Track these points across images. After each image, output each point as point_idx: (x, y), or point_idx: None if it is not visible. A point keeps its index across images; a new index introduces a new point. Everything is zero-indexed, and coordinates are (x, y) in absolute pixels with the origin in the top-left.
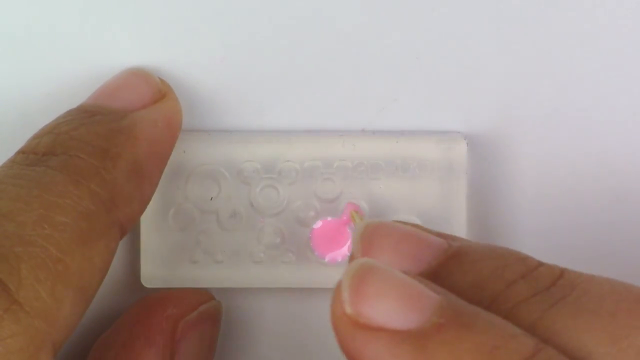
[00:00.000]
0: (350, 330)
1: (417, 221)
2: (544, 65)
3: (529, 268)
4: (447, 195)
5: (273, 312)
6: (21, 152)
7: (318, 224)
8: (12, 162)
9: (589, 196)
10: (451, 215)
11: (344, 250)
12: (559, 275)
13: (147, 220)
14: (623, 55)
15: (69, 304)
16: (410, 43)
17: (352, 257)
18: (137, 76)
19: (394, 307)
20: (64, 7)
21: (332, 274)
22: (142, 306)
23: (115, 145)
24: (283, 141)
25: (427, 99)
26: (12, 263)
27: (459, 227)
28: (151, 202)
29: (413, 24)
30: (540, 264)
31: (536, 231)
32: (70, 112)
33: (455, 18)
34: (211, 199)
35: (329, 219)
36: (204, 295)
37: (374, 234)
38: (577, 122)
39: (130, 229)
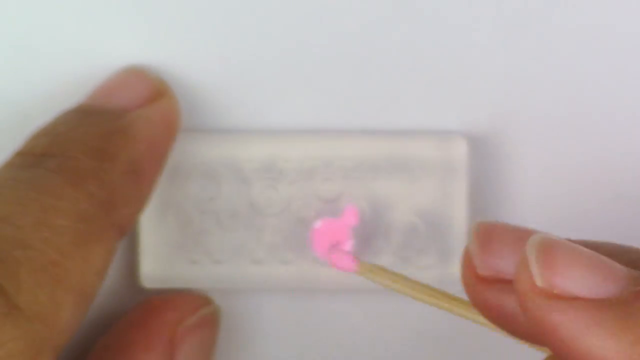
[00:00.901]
0: (545, 303)
1: (418, 222)
2: (544, 66)
3: None
4: (447, 195)
5: (273, 312)
6: (19, 153)
7: (318, 224)
8: (10, 164)
9: (589, 196)
10: (451, 215)
11: (344, 250)
12: None
13: (147, 220)
14: (623, 55)
15: (69, 307)
16: (410, 43)
17: (467, 255)
18: (134, 75)
19: (588, 277)
20: (64, 7)
21: (332, 274)
22: (141, 310)
23: (113, 145)
24: (283, 141)
25: (427, 99)
26: (11, 267)
27: (459, 227)
28: (151, 202)
29: (413, 24)
30: None
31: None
32: (67, 112)
33: (455, 18)
34: (211, 199)
35: (329, 218)
36: (202, 299)
37: (492, 231)
38: (577, 122)
39: (129, 230)
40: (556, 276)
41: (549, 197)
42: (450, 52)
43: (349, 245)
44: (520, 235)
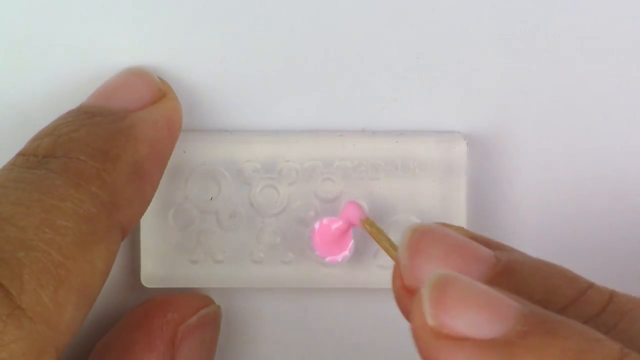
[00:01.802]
0: (434, 342)
1: (418, 221)
2: (544, 65)
3: (579, 291)
4: (447, 195)
5: (273, 312)
6: (21, 154)
7: (318, 224)
8: (13, 164)
9: (589, 195)
10: (451, 215)
11: (345, 250)
12: (608, 300)
13: (147, 220)
14: (623, 55)
15: (71, 308)
16: (410, 43)
17: (396, 264)
18: (137, 76)
19: (477, 317)
20: (64, 8)
21: (332, 274)
22: (142, 311)
23: (116, 146)
24: (283, 141)
25: (427, 99)
26: (14, 268)
27: None
28: (151, 202)
29: (413, 24)
30: (589, 286)
31: (536, 231)
32: (70, 113)
33: (455, 18)
34: (211, 199)
35: (329, 218)
36: (203, 299)
37: (422, 241)
38: (577, 121)
39: (131, 231)
40: (446, 315)
41: (549, 197)
42: (450, 52)
43: (350, 245)
44: (451, 246)
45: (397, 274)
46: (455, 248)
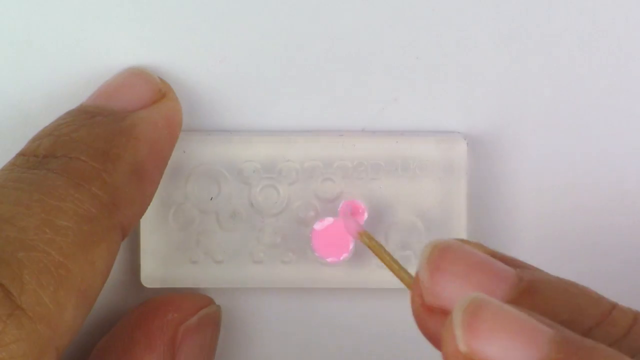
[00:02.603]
0: None
1: (418, 222)
2: (544, 65)
3: (604, 312)
4: (447, 195)
5: (273, 312)
6: (22, 154)
7: (318, 224)
8: (13, 165)
9: (589, 196)
10: (451, 215)
11: (345, 251)
12: (634, 320)
13: (147, 220)
14: (623, 55)
15: (72, 308)
16: (410, 43)
17: (416, 282)
18: (137, 76)
19: (509, 344)
20: (64, 8)
21: (332, 274)
22: (142, 311)
23: (116, 146)
24: (283, 141)
25: (427, 99)
26: (14, 268)
27: (459, 227)
28: (151, 202)
29: (413, 24)
30: (614, 307)
31: (536, 231)
32: (70, 113)
33: (455, 18)
34: (211, 199)
35: (329, 219)
36: (203, 299)
37: (442, 259)
38: (577, 122)
39: (131, 231)
40: (478, 341)
41: (549, 197)
42: (450, 52)
43: (350, 246)
44: (473, 264)
45: (417, 293)
46: (477, 266)
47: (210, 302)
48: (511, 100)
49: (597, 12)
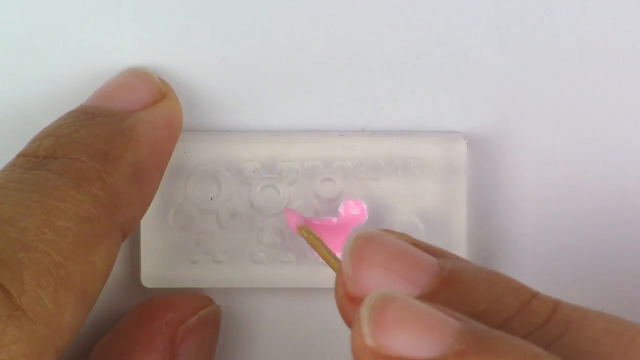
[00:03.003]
0: None
1: (418, 222)
2: (544, 66)
3: (523, 302)
4: (447, 195)
5: (273, 312)
6: (22, 155)
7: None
8: (13, 165)
9: (589, 196)
10: (451, 215)
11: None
12: (553, 310)
13: (147, 220)
14: (623, 55)
15: (72, 308)
16: (410, 43)
17: (340, 272)
18: (137, 76)
19: (415, 337)
20: (64, 8)
21: (332, 274)
22: (142, 311)
23: (116, 147)
24: (283, 141)
25: (427, 99)
26: (14, 269)
27: (459, 227)
28: (151, 202)
29: (413, 24)
30: (534, 296)
31: (536, 230)
32: (70, 114)
33: (455, 18)
34: (211, 199)
35: (329, 219)
36: (203, 300)
37: (364, 249)
38: (577, 122)
39: (131, 231)
40: (384, 336)
41: (549, 197)
42: (450, 52)
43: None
44: (395, 254)
45: (340, 283)
46: (398, 256)
47: (210, 302)
48: (511, 100)
49: (597, 12)
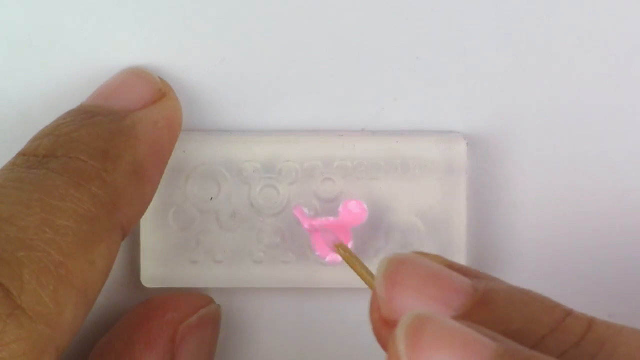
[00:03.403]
0: None
1: (418, 222)
2: (544, 66)
3: (558, 320)
4: (447, 195)
5: (273, 312)
6: (22, 154)
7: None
8: (13, 164)
9: (589, 196)
10: (451, 215)
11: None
12: (588, 328)
13: (147, 220)
14: (623, 55)
15: (72, 307)
16: (410, 43)
17: (374, 295)
18: (137, 76)
19: (451, 357)
20: (64, 7)
21: (332, 274)
22: (142, 310)
23: (116, 146)
24: (283, 141)
25: (427, 99)
26: (14, 268)
27: (459, 227)
28: (151, 202)
29: (413, 24)
30: (568, 314)
31: (536, 230)
32: (70, 113)
33: (455, 18)
34: (211, 199)
35: (330, 219)
36: (203, 299)
37: (398, 272)
38: (576, 122)
39: (131, 231)
40: (421, 356)
41: (549, 197)
42: (450, 52)
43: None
44: (428, 277)
45: (375, 306)
46: (432, 278)
47: (210, 301)
48: (511, 100)
49: (597, 12)
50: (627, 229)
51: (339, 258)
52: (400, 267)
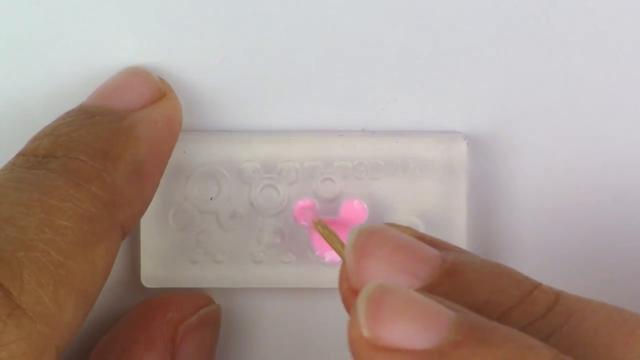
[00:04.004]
0: (369, 353)
1: (418, 222)
2: (544, 66)
3: (524, 292)
4: (447, 195)
5: (273, 312)
6: (21, 154)
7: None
8: (13, 164)
9: (589, 196)
10: (451, 215)
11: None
12: (554, 301)
13: (147, 220)
14: (623, 55)
15: (72, 307)
16: (410, 43)
17: (343, 265)
18: (137, 75)
19: (410, 328)
20: (64, 7)
21: (332, 273)
22: (143, 310)
23: (116, 146)
24: (283, 141)
25: (427, 99)
26: (14, 268)
27: (459, 227)
28: (151, 202)
29: (413, 24)
30: (535, 287)
31: (536, 230)
32: (70, 113)
33: (455, 18)
34: (211, 199)
35: (329, 218)
36: (203, 298)
37: (368, 243)
38: (576, 122)
39: (131, 230)
40: (381, 327)
41: (549, 197)
42: (450, 52)
43: None
44: (397, 247)
45: (344, 276)
46: (401, 249)
47: (210, 301)
48: (511, 100)
49: (597, 12)
50: (627, 228)
51: (339, 257)
52: (370, 237)
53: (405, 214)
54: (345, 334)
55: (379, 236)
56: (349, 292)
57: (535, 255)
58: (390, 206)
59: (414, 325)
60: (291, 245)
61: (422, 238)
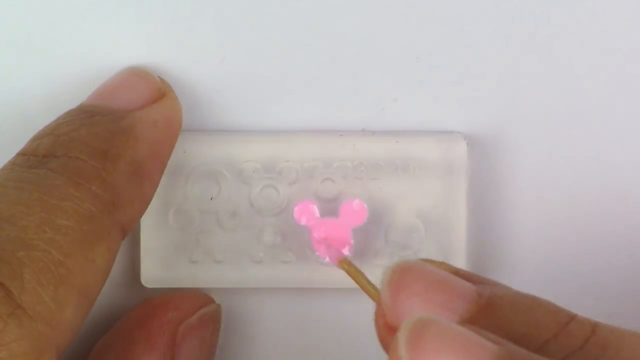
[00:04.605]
0: None
1: (418, 222)
2: (544, 66)
3: (561, 324)
4: (447, 195)
5: (273, 312)
6: (21, 154)
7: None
8: (13, 164)
9: (588, 196)
10: (451, 215)
11: (344, 250)
12: (591, 332)
13: (147, 220)
14: (623, 55)
15: (72, 306)
16: (410, 43)
17: (379, 302)
18: (137, 75)
19: None
20: (64, 7)
21: (332, 274)
22: (143, 310)
23: (116, 146)
24: (283, 141)
25: (427, 99)
26: (14, 267)
27: (459, 227)
28: (151, 202)
29: (413, 24)
30: (572, 318)
31: (536, 231)
32: (70, 113)
33: (455, 18)
34: (211, 199)
35: (330, 218)
36: (204, 298)
37: (403, 279)
38: (576, 122)
39: (131, 230)
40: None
41: (549, 197)
42: (450, 52)
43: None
44: (433, 283)
45: (380, 313)
46: (437, 284)
47: (210, 300)
48: (511, 100)
49: (597, 12)
50: (628, 229)
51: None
52: (405, 273)
53: (405, 214)
54: (345, 334)
55: (414, 272)
56: (385, 329)
57: (535, 255)
58: (390, 206)
59: (456, 358)
60: (291, 245)
61: (456, 273)
